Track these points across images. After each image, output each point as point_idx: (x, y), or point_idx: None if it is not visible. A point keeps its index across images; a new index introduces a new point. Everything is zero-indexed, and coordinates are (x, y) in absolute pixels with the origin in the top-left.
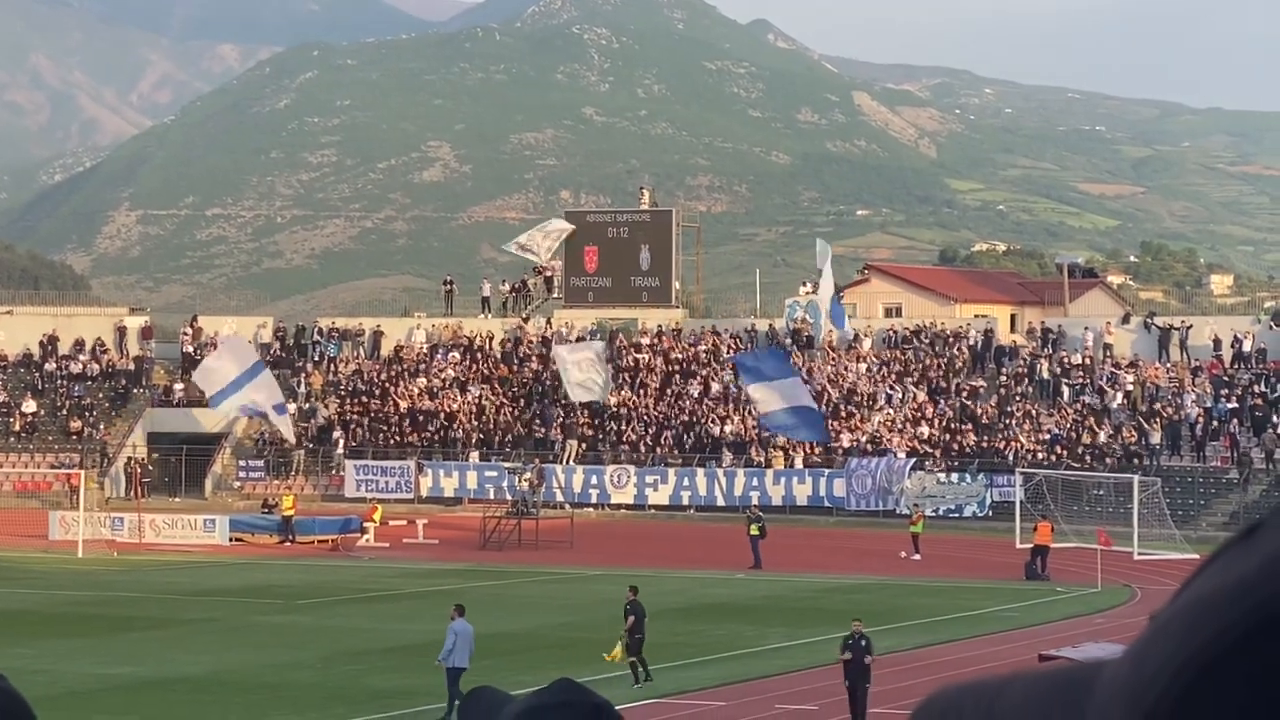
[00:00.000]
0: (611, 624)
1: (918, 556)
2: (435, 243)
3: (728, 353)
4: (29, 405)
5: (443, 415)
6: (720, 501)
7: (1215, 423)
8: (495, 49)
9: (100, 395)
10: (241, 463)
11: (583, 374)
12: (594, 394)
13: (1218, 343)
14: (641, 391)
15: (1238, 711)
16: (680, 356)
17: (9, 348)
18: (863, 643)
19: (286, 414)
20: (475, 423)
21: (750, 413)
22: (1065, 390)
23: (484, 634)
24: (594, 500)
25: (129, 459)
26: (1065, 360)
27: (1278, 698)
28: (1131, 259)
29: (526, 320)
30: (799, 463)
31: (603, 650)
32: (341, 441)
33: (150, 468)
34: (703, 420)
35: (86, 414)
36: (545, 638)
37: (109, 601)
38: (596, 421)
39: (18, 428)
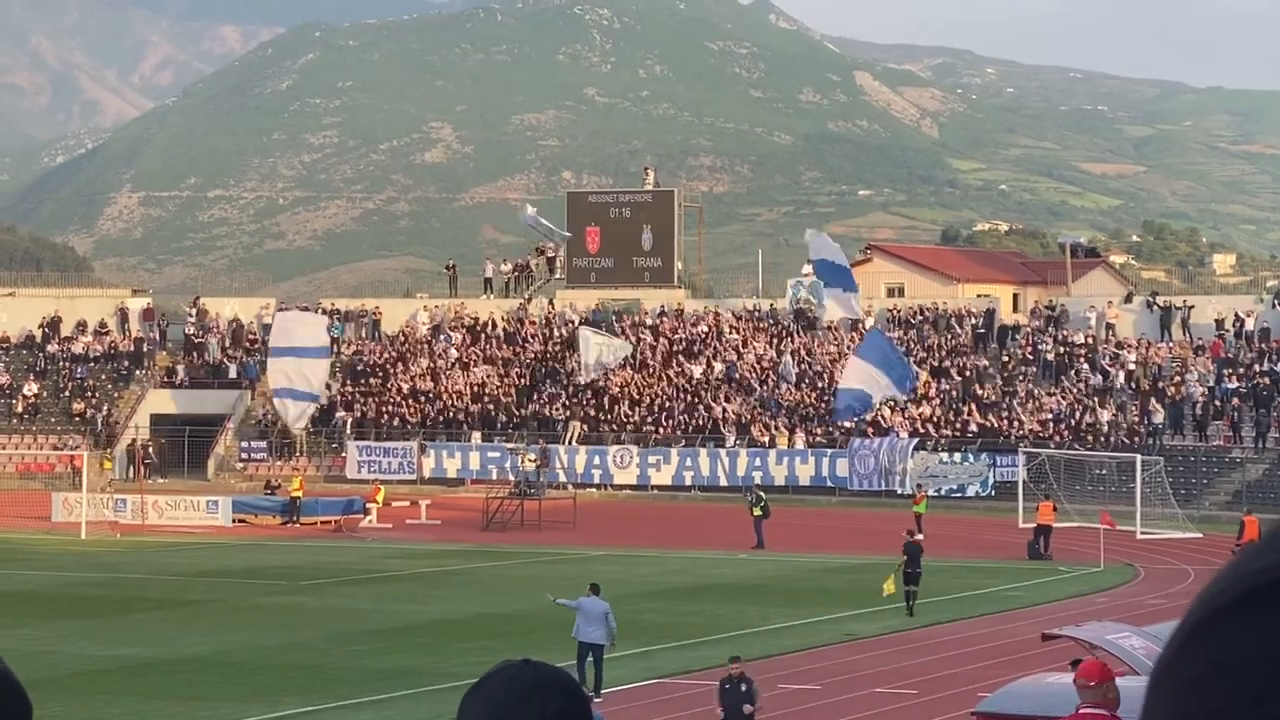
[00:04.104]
0: (622, 600)
1: (920, 536)
2: (437, 224)
3: (730, 332)
4: (31, 387)
5: (445, 396)
6: (723, 481)
7: (1218, 402)
8: (497, 29)
9: (103, 376)
10: (244, 444)
11: (601, 354)
12: (607, 366)
13: (1220, 322)
14: (644, 372)
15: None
16: (683, 337)
17: (11, 329)
18: (743, 688)
19: (315, 402)
20: (478, 403)
21: (752, 392)
22: (1068, 370)
23: (487, 615)
24: (597, 480)
25: (133, 440)
26: (1068, 340)
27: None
28: (1134, 238)
29: (529, 301)
30: (801, 443)
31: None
32: (348, 422)
33: (150, 449)
34: (705, 400)
35: (89, 395)
36: (548, 618)
37: (112, 583)
38: (599, 402)
39: (20, 409)
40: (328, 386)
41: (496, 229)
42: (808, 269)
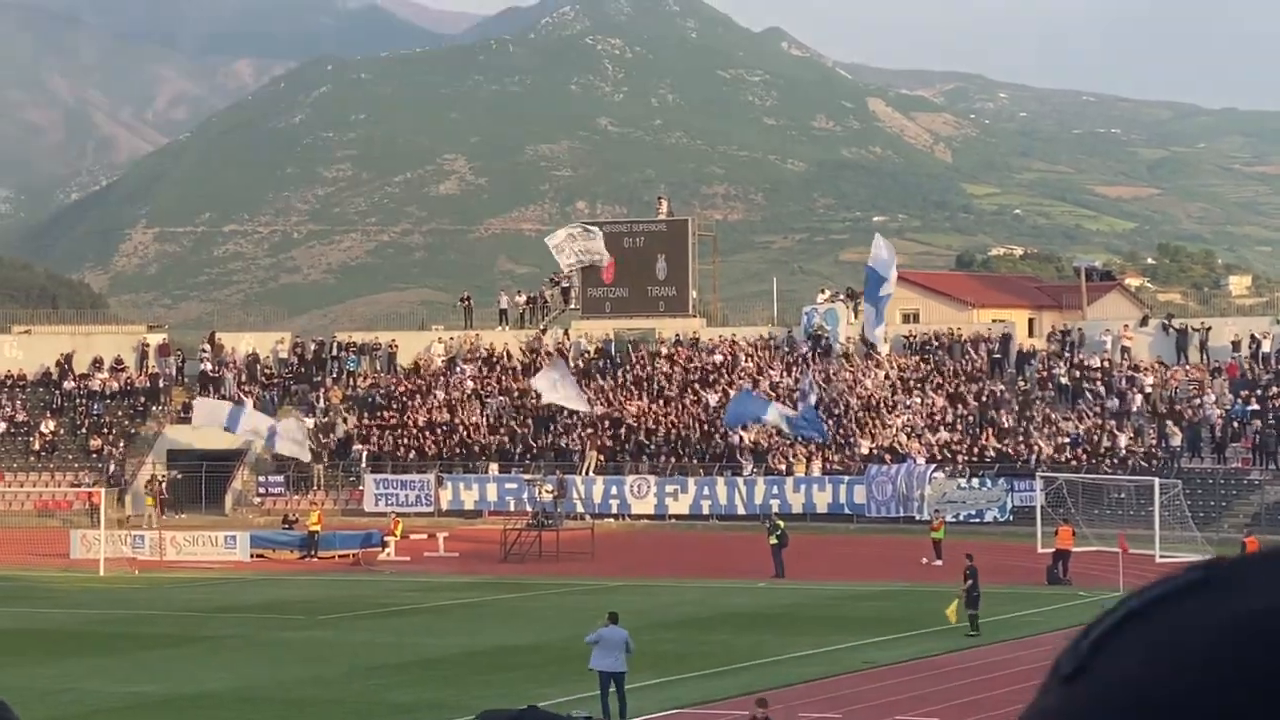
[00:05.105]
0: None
1: (939, 562)
2: (452, 255)
3: (746, 361)
4: (48, 424)
5: (462, 428)
6: (741, 510)
7: (1235, 424)
8: (509, 61)
9: (119, 413)
10: (261, 479)
11: (562, 391)
12: (578, 405)
13: (1236, 344)
14: (660, 401)
15: None
16: (698, 365)
17: (28, 367)
18: None
19: (288, 427)
20: (494, 435)
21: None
22: (1084, 394)
23: (506, 647)
24: (614, 511)
25: (151, 477)
26: (1084, 364)
27: None
28: (1149, 261)
29: (544, 332)
30: (818, 470)
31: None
32: (364, 455)
33: (163, 484)
34: (722, 429)
35: (106, 432)
36: (568, 649)
37: (131, 619)
38: (616, 432)
39: (37, 447)
40: (342, 419)
41: (511, 260)
42: (822, 296)
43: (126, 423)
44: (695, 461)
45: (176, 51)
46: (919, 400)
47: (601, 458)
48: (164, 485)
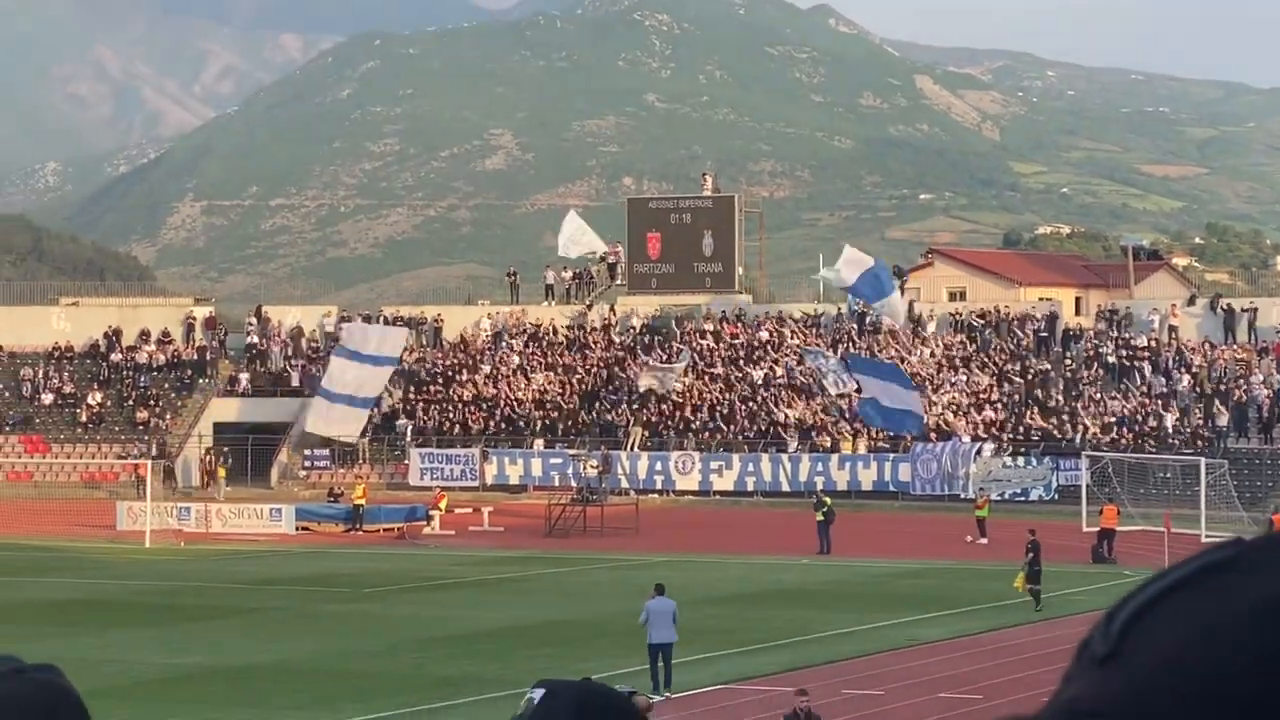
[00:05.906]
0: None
1: (984, 540)
2: (498, 231)
3: (791, 338)
4: (95, 396)
5: (507, 403)
6: (785, 487)
7: None
8: (557, 36)
9: (166, 386)
10: (307, 452)
11: (660, 379)
12: (665, 386)
13: None
14: (706, 377)
15: None
16: (744, 342)
17: (75, 339)
18: None
19: (368, 409)
20: (540, 410)
21: (814, 397)
22: (1131, 373)
23: (550, 621)
24: (659, 486)
25: (208, 449)
26: (1131, 343)
27: None
28: (1197, 240)
29: (590, 307)
30: (863, 447)
31: None
32: (409, 429)
33: (212, 458)
34: (767, 405)
35: (152, 405)
36: (612, 624)
37: (177, 591)
38: (661, 407)
39: (84, 419)
40: (387, 393)
41: (558, 235)
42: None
43: (173, 395)
44: (740, 438)
45: (224, 25)
46: (965, 378)
47: (646, 433)
48: (212, 457)
